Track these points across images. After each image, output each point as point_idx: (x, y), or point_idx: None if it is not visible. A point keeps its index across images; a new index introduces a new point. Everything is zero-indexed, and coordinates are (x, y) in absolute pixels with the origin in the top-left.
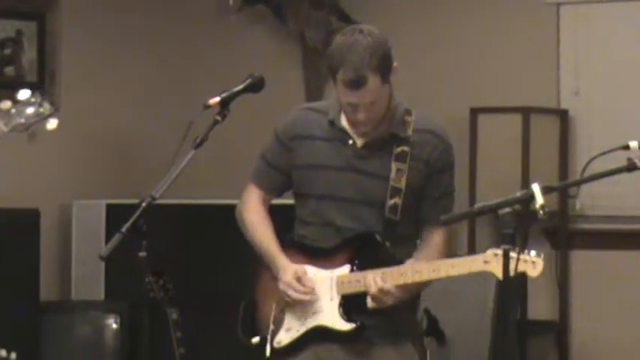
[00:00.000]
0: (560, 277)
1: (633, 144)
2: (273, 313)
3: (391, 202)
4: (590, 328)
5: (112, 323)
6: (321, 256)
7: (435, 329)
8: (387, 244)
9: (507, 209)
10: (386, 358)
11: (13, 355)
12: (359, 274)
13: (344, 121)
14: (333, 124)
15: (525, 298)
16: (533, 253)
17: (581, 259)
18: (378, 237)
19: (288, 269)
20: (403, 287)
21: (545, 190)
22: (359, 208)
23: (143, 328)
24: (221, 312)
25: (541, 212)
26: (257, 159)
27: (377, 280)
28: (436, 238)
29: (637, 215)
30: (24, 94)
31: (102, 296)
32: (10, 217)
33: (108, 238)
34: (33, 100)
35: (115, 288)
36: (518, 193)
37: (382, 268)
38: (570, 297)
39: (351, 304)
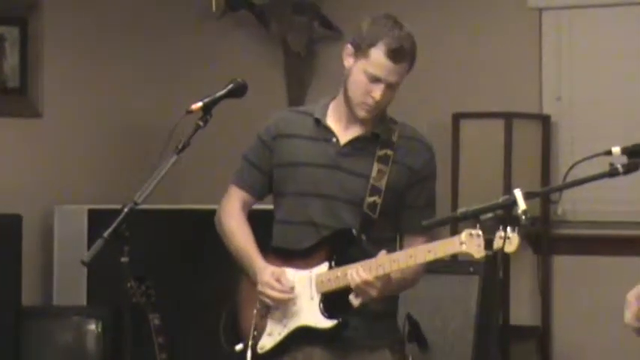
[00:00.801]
0: (543, 282)
1: (615, 149)
2: (254, 320)
3: (370, 199)
4: (572, 333)
5: (94, 328)
6: (298, 258)
7: (417, 335)
8: (363, 237)
9: (490, 215)
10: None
11: None
12: (338, 270)
13: (330, 121)
14: (319, 122)
15: (507, 304)
16: (509, 230)
17: (564, 265)
18: (354, 231)
19: (266, 270)
20: (384, 278)
21: (528, 196)
22: (339, 206)
23: (125, 334)
24: (203, 318)
25: (523, 218)
26: (240, 161)
27: (359, 273)
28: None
29: (619, 221)
30: None
31: (84, 301)
32: None
33: (90, 244)
34: None
35: (97, 293)
36: (501, 199)
37: (359, 262)
38: (552, 302)
39: (331, 302)
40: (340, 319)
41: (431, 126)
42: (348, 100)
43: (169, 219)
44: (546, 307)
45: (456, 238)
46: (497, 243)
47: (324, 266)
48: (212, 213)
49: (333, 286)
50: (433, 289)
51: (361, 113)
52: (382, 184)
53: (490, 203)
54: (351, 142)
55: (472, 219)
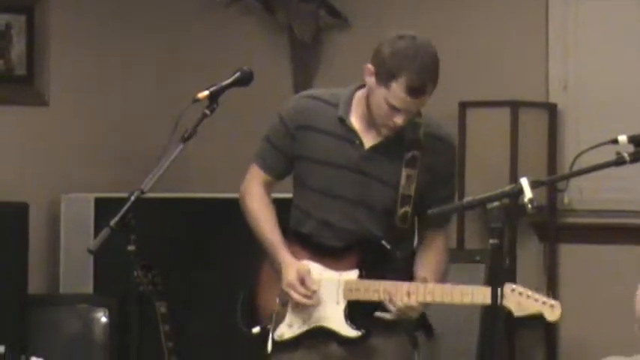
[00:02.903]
0: (549, 270)
1: (622, 138)
2: (275, 307)
3: (402, 210)
4: (578, 321)
5: (101, 317)
6: (326, 255)
7: (423, 323)
8: (398, 254)
9: (496, 203)
10: (382, 348)
11: (1, 349)
12: (368, 283)
13: (354, 121)
14: (343, 121)
15: None
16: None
17: (570, 253)
18: (386, 244)
19: (291, 267)
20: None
21: (534, 184)
22: (356, 209)
23: (132, 322)
24: (209, 305)
25: (529, 206)
26: (261, 141)
27: (404, 299)
28: (439, 242)
29: (625, 209)
30: None
31: (90, 290)
32: None
33: (97, 232)
34: None
35: (104, 281)
36: (507, 187)
37: (407, 283)
38: (558, 291)
39: (356, 310)
40: (363, 331)
41: (437, 114)
42: (370, 111)
43: (176, 207)
44: (552, 295)
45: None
46: (540, 307)
47: (354, 274)
48: (218, 201)
49: (361, 296)
50: None
51: (384, 131)
52: (412, 190)
53: (496, 192)
54: (376, 147)
55: (479, 207)
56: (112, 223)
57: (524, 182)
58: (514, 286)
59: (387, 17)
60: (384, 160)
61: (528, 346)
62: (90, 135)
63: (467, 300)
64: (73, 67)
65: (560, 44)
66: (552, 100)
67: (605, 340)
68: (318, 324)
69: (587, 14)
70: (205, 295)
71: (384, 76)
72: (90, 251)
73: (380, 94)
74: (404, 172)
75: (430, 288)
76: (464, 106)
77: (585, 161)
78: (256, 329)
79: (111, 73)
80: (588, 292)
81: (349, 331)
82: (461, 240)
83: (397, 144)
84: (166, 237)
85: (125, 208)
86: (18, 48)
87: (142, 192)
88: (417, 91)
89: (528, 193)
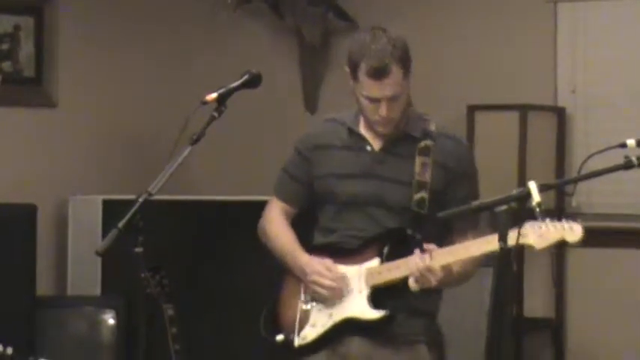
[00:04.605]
0: (556, 274)
1: (630, 142)
2: (298, 311)
3: (418, 196)
4: (586, 324)
5: (109, 318)
6: (346, 255)
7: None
8: (417, 236)
9: (504, 207)
10: (404, 354)
11: (9, 350)
12: (390, 264)
13: (362, 128)
14: (352, 131)
15: (521, 296)
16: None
17: (577, 257)
18: (408, 231)
19: (313, 261)
20: (446, 269)
21: (542, 188)
22: (378, 212)
23: (139, 324)
24: (216, 308)
25: (537, 210)
26: (279, 172)
27: (424, 258)
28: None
29: (633, 213)
30: None
31: (98, 292)
32: (7, 211)
33: (104, 234)
34: None
35: (112, 283)
36: (515, 191)
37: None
38: (566, 294)
39: (379, 296)
40: (387, 311)
41: (446, 118)
42: (364, 117)
43: (184, 210)
44: (560, 299)
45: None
46: (561, 233)
47: (375, 261)
48: (225, 204)
49: (384, 278)
50: None
51: (379, 129)
52: (427, 177)
53: (504, 195)
54: (386, 147)
55: (487, 210)
56: (120, 225)
57: (533, 186)
58: (533, 222)
59: (395, 20)
60: (396, 160)
61: (536, 349)
62: (98, 137)
63: (486, 248)
64: (82, 69)
65: (569, 49)
66: (561, 103)
67: (613, 343)
68: (342, 316)
69: (595, 19)
70: (213, 298)
71: (353, 71)
72: (98, 253)
73: (357, 91)
74: (418, 160)
75: (447, 248)
76: (472, 109)
77: (594, 165)
78: (280, 337)
79: (119, 75)
80: (596, 296)
81: (373, 314)
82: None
83: (407, 142)
84: (174, 239)
85: (133, 210)
86: (26, 50)
87: (150, 194)
88: (378, 71)
89: (537, 197)
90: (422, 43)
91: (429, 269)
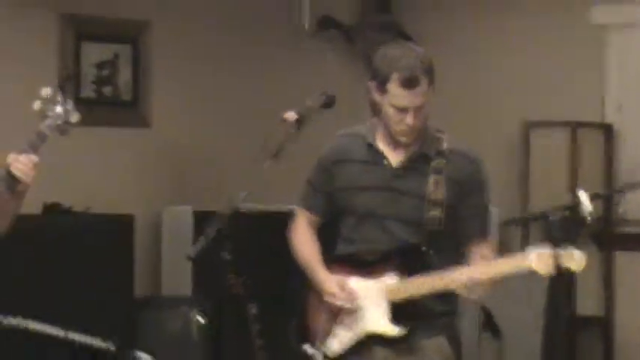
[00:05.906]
0: (605, 276)
1: None
2: (323, 324)
3: (431, 213)
4: (633, 322)
5: (200, 317)
6: (364, 268)
7: (490, 324)
8: (431, 253)
9: (557, 215)
10: (422, 348)
11: (111, 345)
12: (408, 281)
13: (380, 144)
14: (371, 146)
15: (574, 296)
16: (573, 249)
17: (624, 260)
18: (423, 248)
19: (330, 279)
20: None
21: (593, 197)
22: (398, 227)
23: (226, 322)
24: (294, 308)
25: (589, 218)
26: (303, 185)
27: (469, 273)
28: (485, 251)
29: None
30: (46, 91)
31: (189, 293)
32: (108, 221)
33: (195, 241)
34: (55, 97)
35: (201, 285)
36: (568, 201)
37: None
38: (615, 294)
39: (398, 311)
40: (408, 328)
41: (500, 133)
42: (387, 129)
43: (265, 219)
44: (609, 299)
45: (526, 257)
46: (565, 261)
47: (393, 277)
48: None
49: (403, 295)
50: (506, 282)
51: (402, 139)
52: (440, 194)
53: (558, 205)
54: (403, 164)
55: (542, 219)
56: (209, 233)
57: (583, 196)
58: (541, 250)
59: (454, 41)
60: (411, 175)
61: (587, 345)
62: (188, 153)
63: (516, 266)
64: (174, 92)
65: (616, 69)
66: (608, 120)
67: None
68: (364, 331)
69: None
70: (290, 299)
71: (381, 83)
72: (189, 258)
73: (384, 102)
74: (431, 179)
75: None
76: (526, 126)
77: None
78: (307, 346)
79: (207, 98)
80: None
81: (393, 330)
82: (524, 250)
83: (422, 159)
84: (257, 246)
85: (221, 219)
86: (124, 75)
87: (236, 205)
88: (410, 82)
89: (588, 206)
90: (478, 64)
91: (478, 283)
